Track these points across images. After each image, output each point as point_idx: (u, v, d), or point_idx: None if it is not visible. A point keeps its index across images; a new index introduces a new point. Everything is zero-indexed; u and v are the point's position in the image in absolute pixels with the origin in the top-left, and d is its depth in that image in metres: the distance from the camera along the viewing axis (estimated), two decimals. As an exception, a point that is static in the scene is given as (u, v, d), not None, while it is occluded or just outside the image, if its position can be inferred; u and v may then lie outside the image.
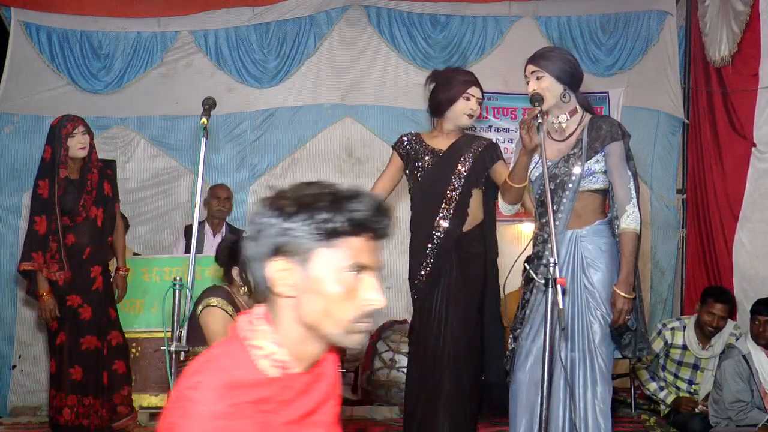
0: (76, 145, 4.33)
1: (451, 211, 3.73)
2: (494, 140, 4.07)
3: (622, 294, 3.13)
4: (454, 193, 3.73)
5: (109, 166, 4.65)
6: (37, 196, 4.29)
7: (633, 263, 3.17)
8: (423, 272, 3.77)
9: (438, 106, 3.82)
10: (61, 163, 4.29)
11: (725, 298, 4.78)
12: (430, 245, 3.74)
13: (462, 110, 3.76)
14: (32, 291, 4.36)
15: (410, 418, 3.74)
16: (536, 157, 3.25)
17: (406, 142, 3.88)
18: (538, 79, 3.24)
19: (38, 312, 4.37)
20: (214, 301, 3.66)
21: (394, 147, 3.93)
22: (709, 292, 4.90)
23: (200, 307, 3.66)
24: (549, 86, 3.23)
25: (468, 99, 3.77)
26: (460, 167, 3.74)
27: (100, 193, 4.45)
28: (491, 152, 3.76)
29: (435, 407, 3.64)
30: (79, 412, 4.32)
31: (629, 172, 3.21)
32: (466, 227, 3.73)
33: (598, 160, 3.22)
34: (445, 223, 3.72)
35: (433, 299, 3.72)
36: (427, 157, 3.81)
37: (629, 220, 3.16)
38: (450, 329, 3.65)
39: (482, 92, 3.84)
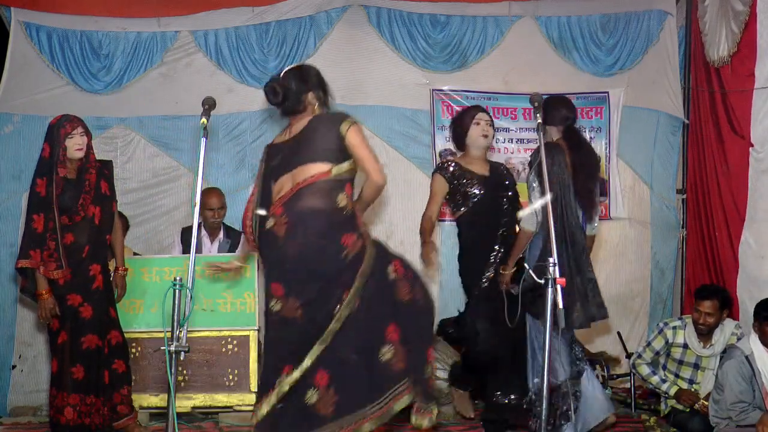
0: (74, 146, 4.33)
1: None
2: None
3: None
4: None
5: (107, 166, 4.65)
6: (35, 194, 4.29)
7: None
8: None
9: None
10: (59, 163, 4.30)
11: (709, 295, 4.77)
12: None
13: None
14: (27, 289, 4.37)
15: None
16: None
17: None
18: None
19: (38, 311, 4.37)
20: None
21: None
22: (696, 291, 4.95)
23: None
24: None
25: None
26: None
27: (97, 192, 4.45)
28: None
29: None
30: (81, 411, 4.32)
31: None
32: None
33: None
34: None
35: None
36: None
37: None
38: None
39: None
